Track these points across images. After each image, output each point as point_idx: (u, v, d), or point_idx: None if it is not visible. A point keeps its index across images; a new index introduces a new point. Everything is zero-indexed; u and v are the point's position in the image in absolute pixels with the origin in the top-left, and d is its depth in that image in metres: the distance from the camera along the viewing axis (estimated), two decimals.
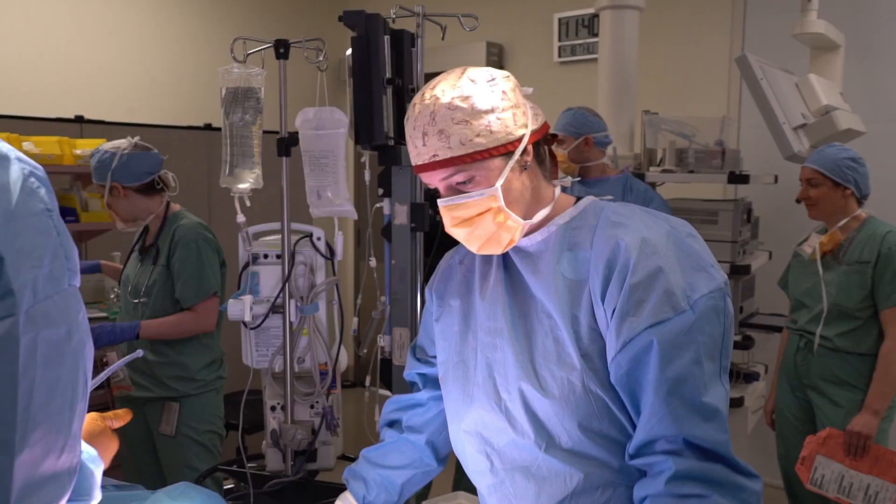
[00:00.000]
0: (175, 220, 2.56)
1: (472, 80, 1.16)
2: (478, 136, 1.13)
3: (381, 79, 1.93)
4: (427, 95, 1.17)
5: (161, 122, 3.89)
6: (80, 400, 0.64)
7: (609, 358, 1.12)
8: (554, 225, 1.22)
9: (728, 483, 1.08)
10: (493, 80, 1.18)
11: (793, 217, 3.43)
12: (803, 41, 3.21)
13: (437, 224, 2.01)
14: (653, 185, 3.34)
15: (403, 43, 2.02)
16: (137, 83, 4.24)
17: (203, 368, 2.55)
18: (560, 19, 4.35)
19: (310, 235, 2.03)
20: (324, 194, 2.01)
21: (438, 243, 2.01)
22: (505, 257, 1.27)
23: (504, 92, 1.17)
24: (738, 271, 3.19)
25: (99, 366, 2.36)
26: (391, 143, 2.00)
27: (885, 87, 3.54)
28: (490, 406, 1.24)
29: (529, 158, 1.19)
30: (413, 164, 1.20)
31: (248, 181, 1.91)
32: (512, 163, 1.16)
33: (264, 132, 1.98)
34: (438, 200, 1.20)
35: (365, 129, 1.94)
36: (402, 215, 2.06)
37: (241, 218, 1.98)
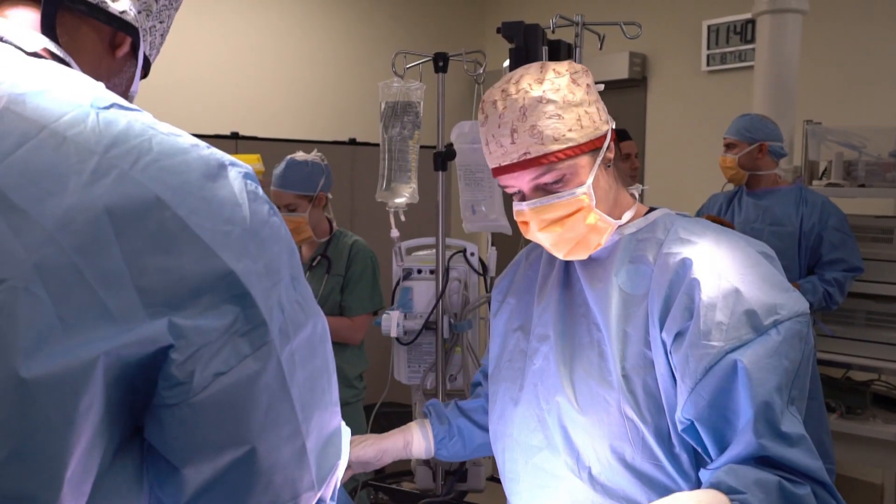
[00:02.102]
0: (342, 235, 2.67)
1: (558, 73, 1.10)
2: (570, 130, 1.08)
3: None
4: (512, 90, 1.10)
5: (309, 137, 4.01)
6: (333, 372, 0.68)
7: (682, 393, 1.02)
8: (619, 234, 1.16)
9: (825, 501, 0.98)
10: (577, 72, 1.12)
11: None
12: None
13: None
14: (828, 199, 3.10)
15: (560, 53, 1.96)
16: (288, 99, 4.40)
17: (356, 378, 2.62)
18: (709, 26, 4.15)
19: (463, 251, 2.00)
20: (478, 209, 1.97)
21: None
22: (567, 262, 1.21)
23: (588, 85, 1.13)
24: None
25: None
26: None
27: None
28: (530, 414, 1.19)
29: (612, 155, 1.15)
30: (496, 165, 1.12)
31: (404, 195, 1.90)
32: (600, 159, 1.11)
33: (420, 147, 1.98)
34: (523, 203, 1.11)
35: None
36: None
37: (395, 233, 1.98)
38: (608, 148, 1.13)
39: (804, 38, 3.28)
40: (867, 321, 3.00)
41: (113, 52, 0.75)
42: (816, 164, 3.33)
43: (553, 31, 1.93)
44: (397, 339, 1.99)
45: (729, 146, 3.01)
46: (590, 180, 1.10)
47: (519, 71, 1.13)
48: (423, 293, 2.00)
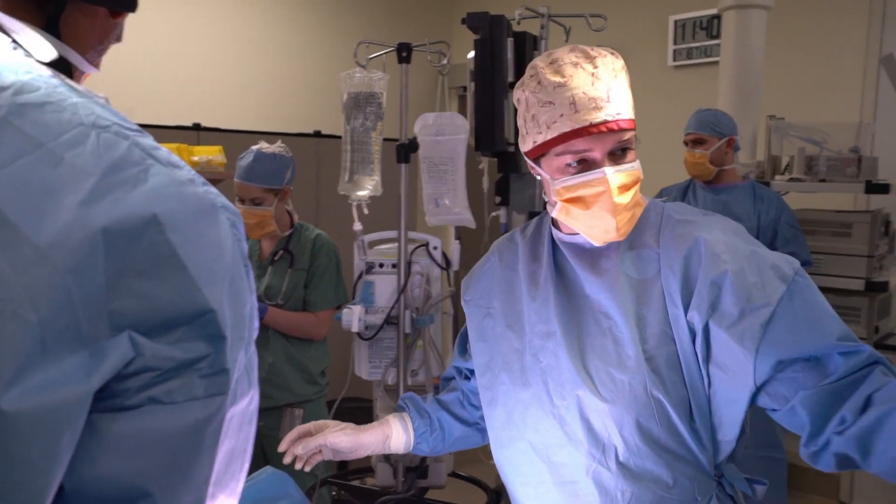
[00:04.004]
0: (304, 229, 2.61)
1: (606, 53, 1.12)
2: (628, 105, 1.11)
3: (504, 83, 1.86)
4: (591, 54, 1.09)
5: (272, 129, 3.95)
6: (249, 458, 0.63)
7: (747, 360, 1.04)
8: None
9: None
10: (614, 54, 1.14)
11: None
12: None
13: None
14: (778, 193, 3.13)
15: (526, 45, 1.94)
16: (251, 92, 4.33)
17: (320, 374, 2.58)
18: (676, 21, 4.17)
19: (426, 245, 1.97)
20: (442, 202, 1.95)
21: None
22: (555, 256, 1.21)
23: (623, 67, 1.14)
24: (873, 288, 2.94)
25: None
26: (511, 149, 1.92)
27: None
28: (543, 414, 1.18)
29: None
30: (579, 125, 1.06)
31: (367, 188, 1.87)
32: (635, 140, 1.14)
33: (383, 139, 1.95)
34: (609, 168, 1.08)
35: (486, 135, 1.87)
36: (519, 225, 1.97)
37: (357, 226, 1.94)
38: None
39: (769, 34, 3.30)
40: None
41: (111, 18, 0.73)
42: (779, 158, 3.36)
43: (518, 23, 1.92)
44: (358, 334, 1.96)
45: (697, 142, 2.94)
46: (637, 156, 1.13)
47: (567, 47, 1.13)
48: (385, 287, 1.98)
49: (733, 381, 1.07)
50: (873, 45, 3.55)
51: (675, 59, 4.20)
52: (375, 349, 2.01)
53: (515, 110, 1.95)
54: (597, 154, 1.09)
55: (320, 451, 1.36)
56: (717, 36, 3.88)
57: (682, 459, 1.10)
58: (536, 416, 1.19)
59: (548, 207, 1.19)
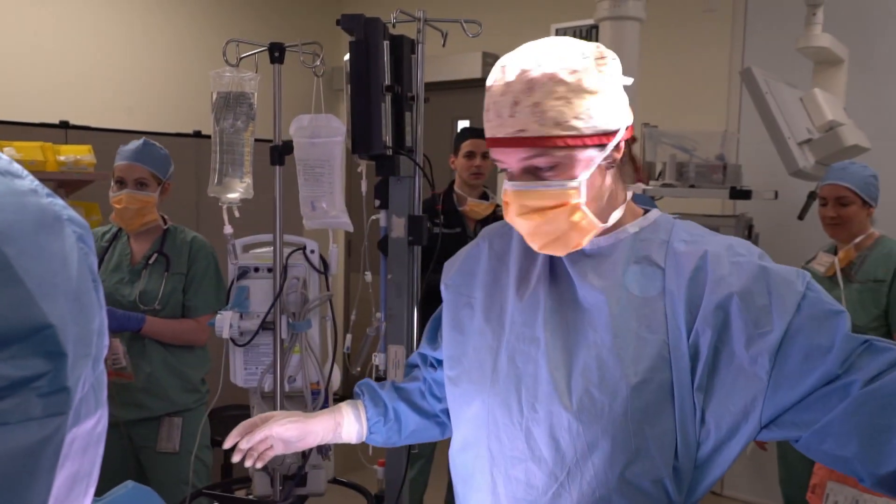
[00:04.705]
0: (178, 231, 2.54)
1: (584, 55, 1.01)
2: (576, 118, 0.99)
3: (381, 85, 1.85)
4: (526, 59, 1.01)
5: (149, 128, 3.79)
6: (95, 481, 0.60)
7: (759, 392, 0.96)
8: (624, 233, 1.09)
9: None
10: (603, 59, 1.03)
11: (792, 233, 3.37)
12: (807, 55, 3.16)
13: (436, 238, 1.93)
14: (652, 199, 3.28)
15: (403, 49, 1.94)
16: (125, 88, 4.14)
17: (200, 381, 2.50)
18: (557, 30, 4.28)
19: (303, 248, 1.94)
20: (318, 205, 1.92)
21: (437, 258, 1.92)
22: (553, 257, 1.12)
23: (612, 76, 1.03)
24: None
25: None
26: (389, 152, 1.91)
27: (889, 103, 3.49)
28: (508, 421, 1.10)
29: (620, 156, 1.06)
30: (490, 135, 1.03)
31: (237, 191, 1.82)
32: (602, 157, 1.02)
33: (256, 140, 1.90)
34: (509, 183, 1.05)
35: (363, 138, 1.85)
36: (399, 228, 1.97)
37: (228, 229, 1.89)
38: (617, 147, 1.04)
39: (642, 46, 3.45)
40: None
41: None
42: (654, 164, 3.51)
43: (394, 26, 1.92)
44: (232, 340, 1.91)
45: None
46: (584, 176, 1.02)
47: (547, 40, 1.05)
48: (260, 292, 1.93)
49: (734, 415, 0.98)
50: (736, 58, 3.77)
51: None
52: (251, 355, 1.96)
53: (394, 113, 1.97)
54: (509, 166, 1.05)
55: (271, 447, 1.28)
56: None
57: (652, 500, 1.02)
58: (501, 424, 1.11)
59: None
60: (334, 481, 2.06)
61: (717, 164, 3.27)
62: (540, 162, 1.01)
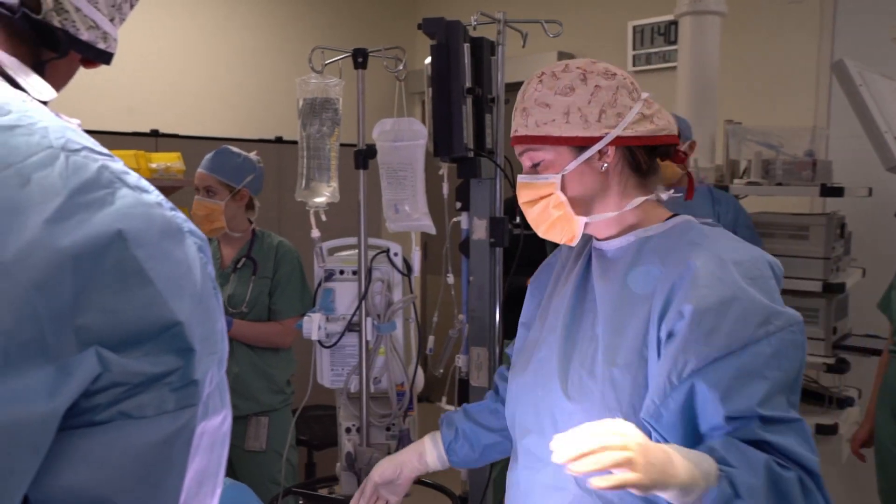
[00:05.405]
0: (265, 236, 2.61)
1: (568, 69, 1.18)
2: (553, 120, 1.15)
3: (461, 88, 1.85)
4: (536, 74, 1.21)
5: (233, 135, 3.91)
6: (221, 484, 0.63)
7: (659, 389, 1.04)
8: (634, 236, 1.19)
9: (811, 490, 1.00)
10: (591, 72, 1.16)
11: (888, 232, 3.22)
12: None
13: (517, 239, 1.93)
14: (736, 198, 3.18)
15: (483, 51, 1.94)
16: (210, 96, 4.28)
17: (286, 382, 2.57)
18: (634, 27, 4.22)
19: (387, 251, 1.96)
20: (401, 208, 1.94)
21: (519, 259, 1.92)
22: (589, 259, 1.26)
23: (598, 87, 1.14)
24: (830, 290, 2.99)
25: None
26: (471, 154, 1.91)
27: None
28: (528, 399, 1.25)
29: (609, 161, 1.16)
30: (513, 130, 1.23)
31: (324, 195, 1.85)
32: (583, 159, 1.15)
33: (340, 145, 1.93)
34: (521, 176, 1.24)
35: (444, 141, 1.86)
36: (480, 230, 1.97)
37: (315, 233, 1.93)
38: (604, 153, 1.15)
39: (724, 41, 3.36)
40: None
41: (83, 65, 0.78)
42: (737, 162, 3.41)
43: (475, 29, 1.92)
44: (319, 341, 1.95)
45: None
46: (561, 173, 1.16)
47: (565, 61, 1.23)
48: (345, 294, 1.96)
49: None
50: (825, 50, 3.63)
51: (634, 65, 4.25)
52: (337, 357, 2.00)
53: (475, 116, 1.97)
54: (522, 161, 1.23)
55: (377, 493, 1.46)
56: (675, 41, 3.93)
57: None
58: (523, 402, 1.26)
59: None
60: (419, 482, 2.07)
61: (806, 160, 3.15)
62: (528, 158, 1.20)
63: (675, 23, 3.89)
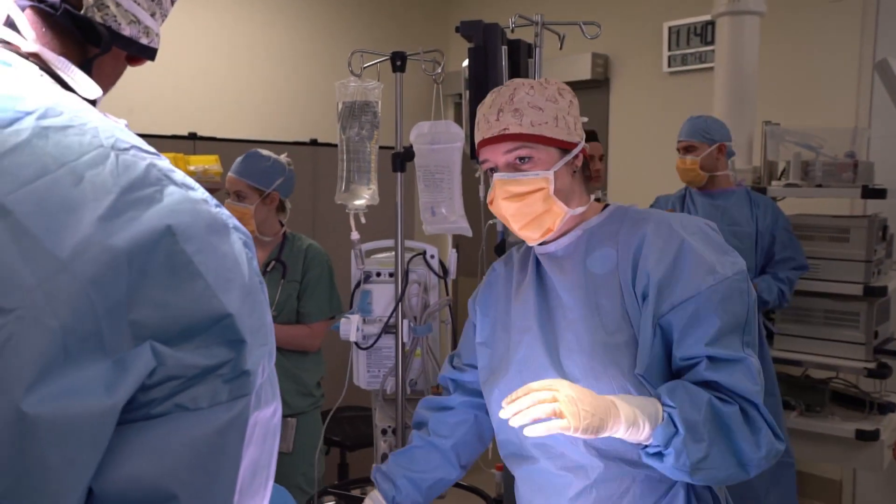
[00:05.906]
0: (296, 239, 2.60)
1: (547, 84, 1.31)
2: (546, 122, 1.26)
3: None
4: (506, 85, 1.31)
5: (268, 137, 3.95)
6: (272, 476, 0.64)
7: (647, 337, 1.19)
8: (580, 230, 1.33)
9: (754, 418, 1.14)
10: (565, 89, 1.32)
11: None
12: None
13: None
14: (773, 199, 3.14)
15: (520, 53, 1.94)
16: (247, 99, 4.33)
17: (315, 385, 2.56)
18: (670, 28, 4.18)
19: (423, 253, 1.97)
20: (438, 211, 1.94)
21: None
22: (538, 265, 1.37)
23: (571, 102, 1.32)
24: (872, 293, 2.93)
25: None
26: None
27: None
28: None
29: (579, 164, 1.32)
30: (480, 138, 1.30)
31: (364, 197, 1.87)
32: (568, 159, 1.28)
33: (379, 147, 1.95)
34: (496, 175, 1.29)
35: None
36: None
37: (355, 235, 1.94)
38: (577, 157, 1.31)
39: (762, 40, 3.31)
40: (825, 320, 3.04)
41: (127, 62, 0.80)
42: (775, 164, 3.36)
43: (513, 31, 1.92)
44: (356, 343, 1.96)
45: (688, 149, 2.99)
46: (554, 168, 1.27)
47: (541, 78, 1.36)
48: (382, 296, 1.97)
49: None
50: (867, 50, 3.56)
51: (670, 66, 4.21)
52: (374, 358, 2.01)
53: None
54: (496, 162, 1.29)
55: None
56: (712, 42, 3.89)
57: None
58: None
59: None
60: (456, 485, 2.07)
61: (846, 161, 3.09)
62: (520, 153, 1.27)
63: (711, 23, 3.85)
